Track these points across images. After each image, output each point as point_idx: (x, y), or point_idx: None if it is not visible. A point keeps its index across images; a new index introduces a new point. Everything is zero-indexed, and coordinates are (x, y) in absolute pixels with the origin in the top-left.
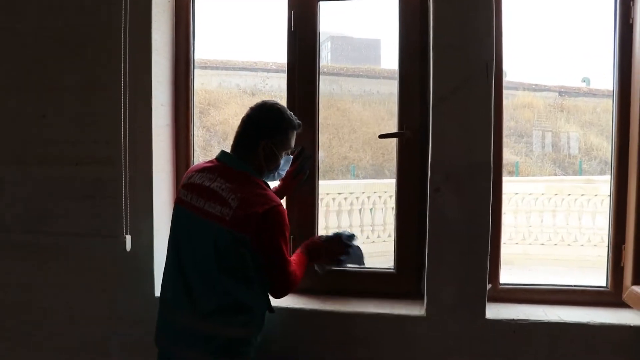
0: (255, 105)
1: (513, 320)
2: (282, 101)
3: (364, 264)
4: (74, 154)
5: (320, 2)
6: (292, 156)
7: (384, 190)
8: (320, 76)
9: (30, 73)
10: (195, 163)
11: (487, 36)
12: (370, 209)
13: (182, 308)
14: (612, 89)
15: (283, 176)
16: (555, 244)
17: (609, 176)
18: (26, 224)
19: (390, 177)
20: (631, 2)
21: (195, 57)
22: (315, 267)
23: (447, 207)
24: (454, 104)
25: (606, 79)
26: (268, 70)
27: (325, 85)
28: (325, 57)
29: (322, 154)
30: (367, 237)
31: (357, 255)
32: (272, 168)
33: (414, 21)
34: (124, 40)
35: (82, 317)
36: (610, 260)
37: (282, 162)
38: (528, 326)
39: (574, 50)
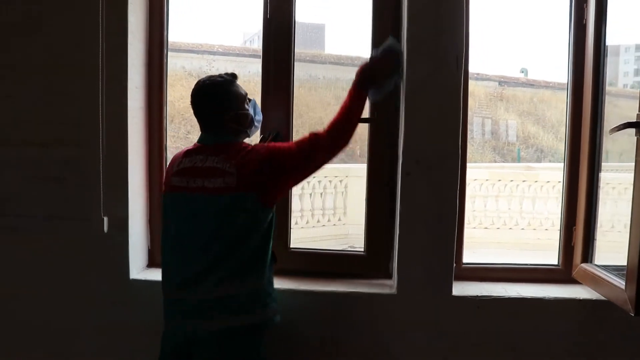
0: (192, 93)
1: (477, 296)
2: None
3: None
4: (41, 136)
5: None
6: (254, 100)
7: (334, 175)
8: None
9: None
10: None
11: (458, 30)
12: (321, 193)
13: (198, 283)
14: (565, 81)
15: (261, 120)
16: (498, 228)
17: (547, 163)
18: None
19: (340, 162)
20: (584, 4)
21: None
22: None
23: (417, 190)
24: (426, 93)
25: (543, 70)
26: (214, 53)
27: None
28: None
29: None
30: (318, 221)
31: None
32: (248, 124)
33: (387, 12)
34: (101, 21)
35: (53, 301)
36: (561, 240)
37: (251, 110)
38: (490, 302)
39: (514, 41)
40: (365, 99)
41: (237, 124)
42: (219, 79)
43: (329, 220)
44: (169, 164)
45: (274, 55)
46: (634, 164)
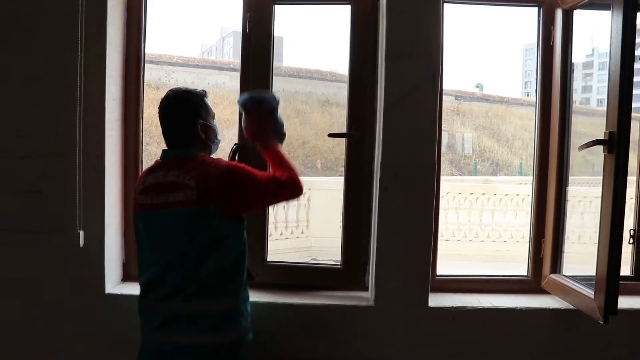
0: (164, 101)
1: (452, 307)
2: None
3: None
4: (18, 148)
5: (276, 5)
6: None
7: None
8: (225, 71)
9: None
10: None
11: (435, 48)
12: (284, 206)
13: (170, 298)
14: (534, 100)
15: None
16: (459, 240)
17: (504, 177)
18: None
19: (300, 175)
20: (552, 27)
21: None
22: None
23: (394, 204)
24: (403, 109)
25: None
26: (173, 64)
27: (232, 81)
28: (227, 52)
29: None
30: (281, 234)
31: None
32: (213, 138)
33: (365, 28)
34: (80, 31)
35: (28, 316)
36: (531, 252)
37: (216, 128)
38: (465, 312)
39: (469, 57)
40: (278, 148)
41: (205, 134)
42: (188, 92)
43: (292, 233)
44: (136, 184)
45: (252, 70)
46: (601, 178)
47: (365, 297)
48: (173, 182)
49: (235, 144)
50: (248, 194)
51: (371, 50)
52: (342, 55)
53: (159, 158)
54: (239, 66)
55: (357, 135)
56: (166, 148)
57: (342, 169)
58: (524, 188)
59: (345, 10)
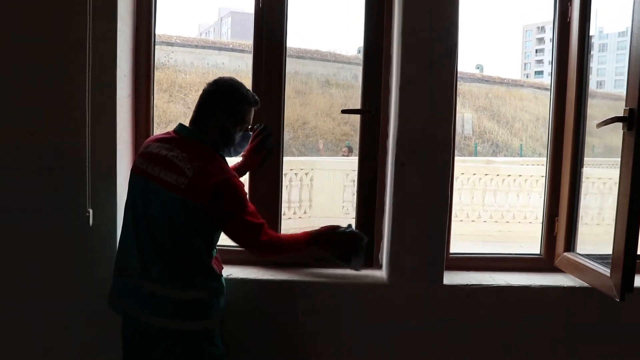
0: (212, 81)
1: (467, 285)
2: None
3: (359, 269)
4: (28, 124)
5: None
6: (251, 133)
7: (300, 167)
8: (225, 52)
9: None
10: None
11: (453, 21)
12: (286, 186)
13: (137, 273)
14: (533, 81)
15: (243, 153)
16: (461, 220)
17: (505, 157)
18: None
19: (301, 155)
20: (569, 2)
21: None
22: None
23: (410, 180)
24: (420, 84)
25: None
26: (172, 44)
27: (231, 62)
28: (226, 33)
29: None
30: (284, 214)
31: (359, 261)
32: (227, 144)
33: (380, 3)
34: (89, 4)
35: (39, 295)
36: (544, 230)
37: (238, 138)
38: (480, 290)
39: (470, 37)
40: (307, 252)
41: (218, 134)
42: (244, 89)
43: (294, 213)
44: (143, 143)
45: (266, 49)
46: (619, 158)
47: (379, 275)
48: (172, 161)
49: (269, 131)
50: (228, 224)
51: (386, 24)
52: (343, 35)
53: (172, 130)
54: (238, 47)
55: (372, 111)
56: (182, 123)
57: (345, 149)
58: (526, 169)
59: None
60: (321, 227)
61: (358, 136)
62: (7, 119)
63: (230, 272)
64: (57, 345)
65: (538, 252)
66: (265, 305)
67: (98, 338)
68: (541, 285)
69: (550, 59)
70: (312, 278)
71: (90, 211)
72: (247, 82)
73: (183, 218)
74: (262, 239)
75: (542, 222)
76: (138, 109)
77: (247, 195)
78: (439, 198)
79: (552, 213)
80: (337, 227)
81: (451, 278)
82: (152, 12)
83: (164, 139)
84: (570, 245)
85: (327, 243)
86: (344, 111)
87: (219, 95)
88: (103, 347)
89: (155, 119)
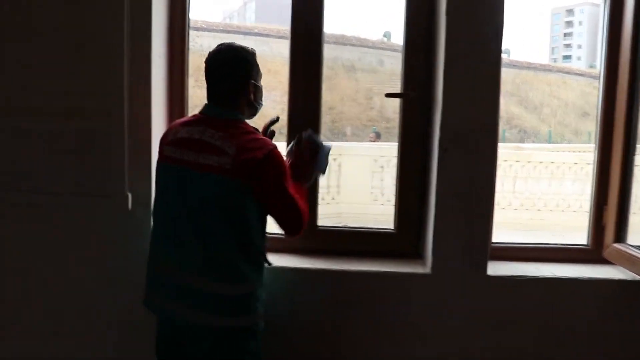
0: (215, 55)
1: (511, 276)
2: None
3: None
4: (62, 106)
5: None
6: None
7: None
8: (250, 36)
9: (9, 16)
10: None
11: (498, 2)
12: None
13: (177, 270)
14: (598, 63)
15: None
16: None
17: (533, 144)
18: (8, 182)
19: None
20: None
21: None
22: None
23: (454, 166)
24: (465, 67)
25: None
26: (198, 29)
27: (256, 46)
28: (250, 17)
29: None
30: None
31: (327, 148)
32: (260, 100)
33: None
34: None
35: (75, 279)
36: (591, 220)
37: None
38: (525, 282)
39: None
40: (305, 188)
41: (254, 95)
42: (239, 46)
43: (322, 199)
44: (165, 132)
45: (303, 33)
46: None
47: (420, 263)
48: (209, 143)
49: (277, 117)
50: (275, 197)
51: (427, 6)
52: (368, 19)
53: (198, 112)
54: (263, 31)
55: (414, 95)
56: (208, 102)
57: (372, 135)
58: (558, 155)
59: None
60: (289, 163)
61: (385, 121)
62: (43, 102)
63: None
64: (89, 332)
65: (582, 242)
66: (304, 295)
67: (131, 324)
68: (590, 278)
69: (580, 43)
70: (351, 267)
71: (129, 195)
72: (275, 67)
73: (234, 199)
74: (299, 206)
75: (590, 211)
76: (173, 91)
77: None
78: (483, 185)
79: (601, 202)
80: (289, 156)
81: (495, 268)
82: None
83: (192, 122)
84: (620, 235)
85: (303, 172)
86: (387, 95)
87: (243, 62)
88: (138, 333)
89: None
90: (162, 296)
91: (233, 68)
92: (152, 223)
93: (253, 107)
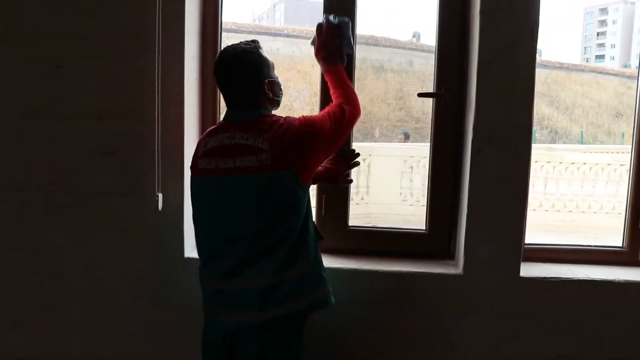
0: (221, 63)
1: (545, 278)
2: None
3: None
4: (96, 108)
5: None
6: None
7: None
8: (279, 37)
9: (45, 18)
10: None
11: (533, 1)
12: None
13: (233, 275)
14: (632, 63)
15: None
16: None
17: (564, 144)
18: (44, 182)
19: (356, 141)
20: None
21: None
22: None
23: (487, 167)
24: (500, 67)
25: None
26: (228, 30)
27: (286, 47)
28: (279, 19)
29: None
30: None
31: (346, 24)
32: (279, 92)
33: None
34: None
35: (106, 279)
36: (627, 222)
37: (279, 80)
38: (559, 284)
39: None
40: (342, 68)
41: (272, 93)
42: (247, 45)
43: (351, 200)
44: (196, 147)
45: None
46: None
47: (452, 264)
48: (242, 144)
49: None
50: (323, 149)
51: (461, 6)
52: (397, 19)
53: (222, 119)
54: (292, 32)
55: (447, 95)
56: (228, 109)
57: (401, 136)
58: (590, 156)
59: None
60: (317, 48)
61: (414, 122)
62: (76, 102)
63: None
64: (121, 329)
65: (616, 244)
66: (340, 295)
67: (163, 324)
68: (626, 281)
69: (613, 42)
70: (383, 267)
71: (160, 195)
72: (304, 67)
73: (283, 191)
74: (347, 108)
75: (625, 213)
76: (205, 92)
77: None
78: (517, 186)
79: (637, 204)
80: (314, 39)
81: (528, 270)
82: None
83: (218, 130)
84: None
85: (335, 52)
86: (420, 94)
87: (251, 66)
88: (168, 333)
89: None
90: (217, 307)
91: (243, 75)
92: (196, 245)
93: (274, 101)
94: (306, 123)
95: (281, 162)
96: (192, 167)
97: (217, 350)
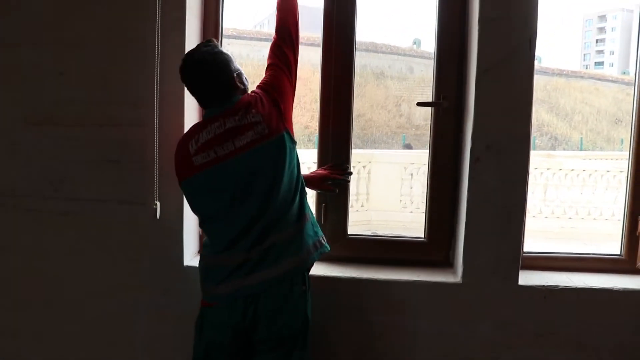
0: (191, 68)
1: (543, 286)
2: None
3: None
4: (96, 115)
5: None
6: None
7: (357, 160)
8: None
9: (47, 26)
10: None
11: (531, 10)
12: None
13: (258, 243)
14: (631, 70)
15: (316, 171)
16: None
17: (563, 151)
18: (43, 189)
19: (356, 148)
20: None
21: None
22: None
23: (486, 176)
24: (498, 76)
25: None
26: (228, 37)
27: None
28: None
29: None
30: None
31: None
32: (245, 81)
33: None
34: None
35: (105, 286)
36: (625, 229)
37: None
38: (557, 292)
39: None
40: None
41: (240, 82)
42: (208, 47)
43: (351, 206)
44: (176, 152)
45: (335, 41)
46: None
47: (450, 272)
48: (235, 126)
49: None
50: (291, 91)
51: (459, 15)
52: (397, 26)
53: (201, 119)
54: None
55: (446, 104)
56: (207, 108)
57: (401, 143)
58: (589, 163)
59: None
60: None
61: (414, 128)
62: (77, 111)
63: None
64: (120, 338)
65: (615, 251)
66: (340, 303)
67: (162, 332)
68: (625, 289)
69: (612, 49)
70: (382, 276)
71: (158, 204)
72: (304, 74)
73: (285, 154)
74: (284, 39)
75: (623, 221)
76: None
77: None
78: (515, 195)
79: (635, 211)
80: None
81: (526, 278)
82: (220, 3)
83: (205, 123)
84: None
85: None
86: (419, 104)
87: (215, 63)
88: (167, 341)
89: None
90: (235, 280)
91: (220, 75)
92: (210, 240)
93: (244, 90)
94: (270, 83)
95: (276, 127)
96: (185, 169)
97: (233, 332)
